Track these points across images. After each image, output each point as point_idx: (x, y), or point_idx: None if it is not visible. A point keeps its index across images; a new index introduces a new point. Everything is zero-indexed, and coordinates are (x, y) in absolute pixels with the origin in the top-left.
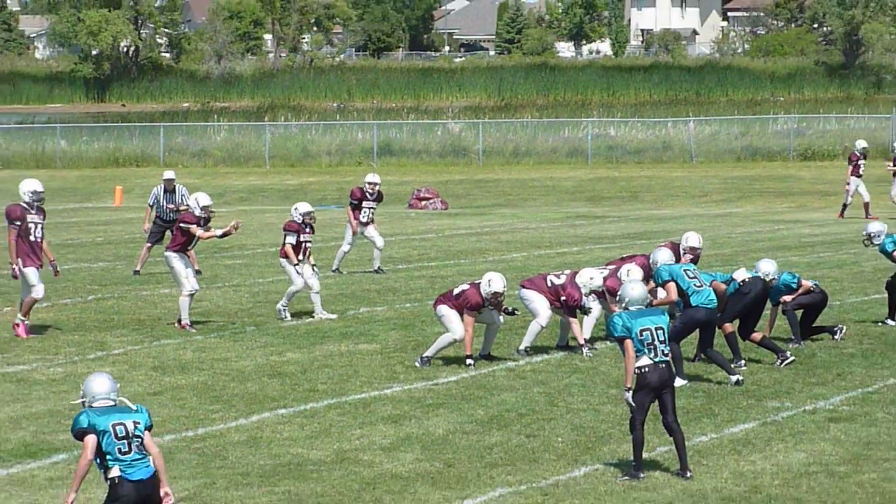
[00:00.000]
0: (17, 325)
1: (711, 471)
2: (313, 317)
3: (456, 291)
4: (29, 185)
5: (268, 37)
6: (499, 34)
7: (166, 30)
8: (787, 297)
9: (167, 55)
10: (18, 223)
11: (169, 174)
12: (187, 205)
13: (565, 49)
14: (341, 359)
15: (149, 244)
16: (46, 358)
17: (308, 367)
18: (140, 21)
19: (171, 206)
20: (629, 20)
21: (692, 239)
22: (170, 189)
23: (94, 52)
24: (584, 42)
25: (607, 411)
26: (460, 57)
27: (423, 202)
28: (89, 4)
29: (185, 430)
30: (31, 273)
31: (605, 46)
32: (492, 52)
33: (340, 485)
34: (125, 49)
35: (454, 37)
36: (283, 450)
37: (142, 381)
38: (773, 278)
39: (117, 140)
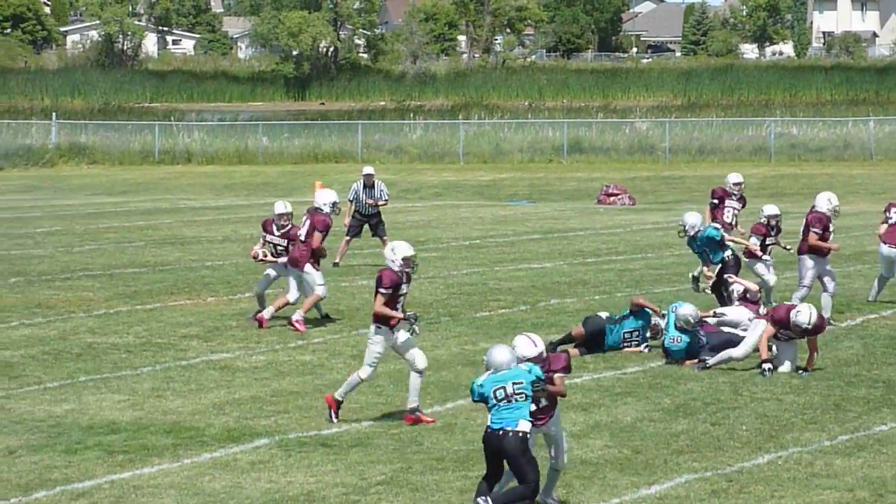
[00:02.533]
0: (298, 321)
1: (892, 459)
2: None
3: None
4: (325, 196)
5: (461, 38)
6: (685, 36)
7: (364, 31)
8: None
9: (365, 55)
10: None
11: (368, 169)
12: (385, 199)
13: (749, 51)
14: None
15: (348, 238)
16: (249, 346)
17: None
18: (339, 22)
19: (370, 201)
20: (811, 22)
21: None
22: (369, 184)
23: (294, 53)
24: (768, 44)
25: (790, 401)
26: (647, 58)
27: (612, 198)
28: (290, 6)
29: (382, 416)
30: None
31: (787, 48)
32: (678, 54)
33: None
34: (324, 49)
35: (641, 38)
36: (477, 435)
37: (340, 369)
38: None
39: (316, 137)
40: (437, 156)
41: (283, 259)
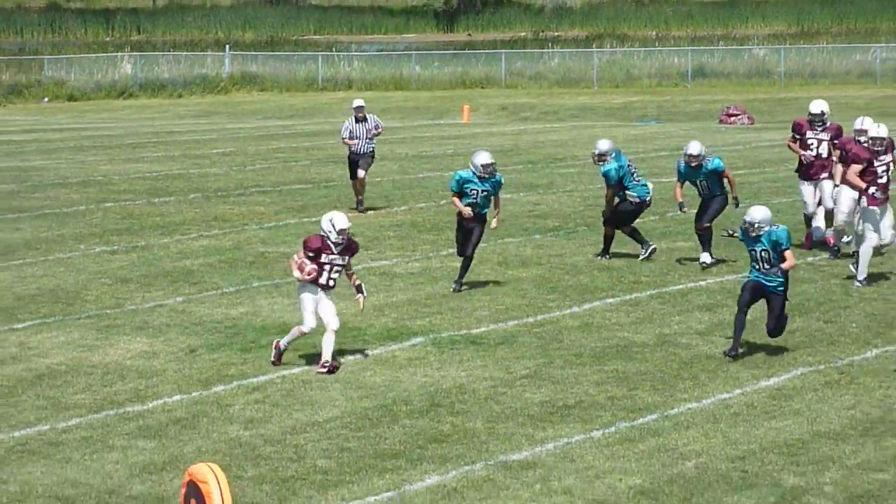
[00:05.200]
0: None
1: None
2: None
3: None
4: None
5: None
6: None
7: None
8: None
9: None
10: None
11: (359, 102)
12: (380, 129)
13: None
14: (662, 255)
15: (353, 180)
16: (405, 254)
17: (633, 261)
18: None
19: (368, 132)
20: None
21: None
22: (360, 118)
23: None
24: None
25: None
26: None
27: (732, 118)
28: None
29: (526, 316)
30: None
31: None
32: None
33: (662, 364)
34: None
35: None
36: (612, 333)
37: (488, 274)
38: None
39: (464, 65)
40: (574, 81)
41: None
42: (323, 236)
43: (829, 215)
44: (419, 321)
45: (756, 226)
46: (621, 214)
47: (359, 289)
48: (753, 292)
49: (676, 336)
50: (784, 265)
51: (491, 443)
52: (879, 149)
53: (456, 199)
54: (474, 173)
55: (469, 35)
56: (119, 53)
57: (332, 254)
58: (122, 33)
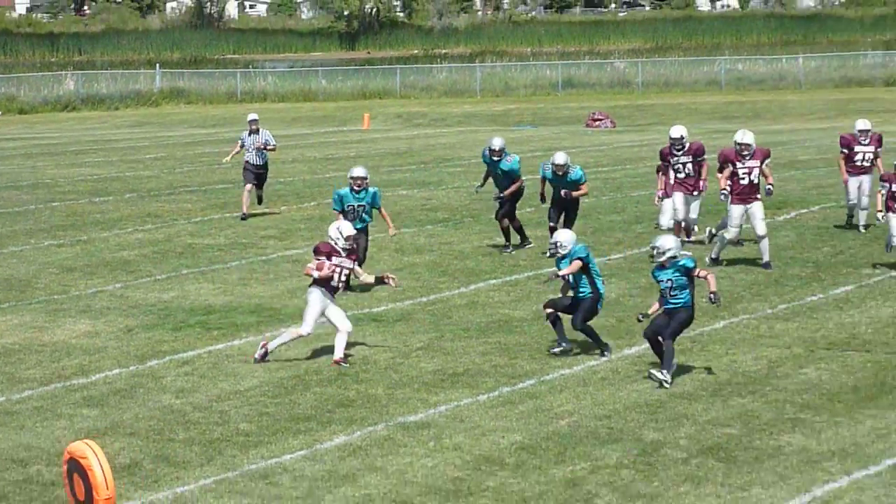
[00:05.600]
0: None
1: (819, 322)
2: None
3: None
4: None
5: None
6: None
7: None
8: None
9: (401, 14)
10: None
11: (253, 115)
12: (272, 145)
13: (703, 4)
14: (538, 242)
15: (248, 187)
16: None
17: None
18: None
19: (256, 144)
20: None
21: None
22: (254, 130)
23: (345, 13)
24: None
25: (739, 278)
26: (623, 12)
27: (597, 122)
28: None
29: (420, 296)
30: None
31: (733, 1)
32: (647, 7)
33: (538, 336)
34: (369, 9)
35: None
36: (495, 310)
37: (387, 261)
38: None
39: (364, 79)
40: (459, 92)
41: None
42: (330, 243)
43: (681, 226)
44: None
45: (559, 244)
46: (513, 210)
47: (379, 280)
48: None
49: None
50: (564, 271)
51: (391, 406)
52: (746, 153)
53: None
54: (350, 187)
55: (369, 53)
56: (63, 72)
57: (340, 256)
58: (65, 54)
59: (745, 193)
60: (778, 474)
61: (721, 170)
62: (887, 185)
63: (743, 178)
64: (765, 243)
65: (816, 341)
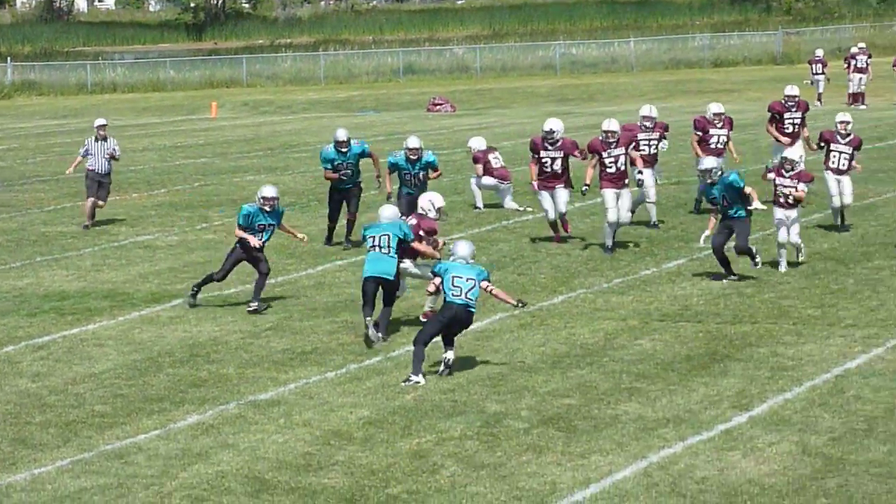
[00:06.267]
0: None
1: (653, 295)
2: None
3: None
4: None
5: None
6: None
7: None
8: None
9: (246, 5)
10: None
11: (100, 121)
12: (117, 156)
13: None
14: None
15: (92, 198)
16: (165, 229)
17: (357, 228)
18: None
19: (104, 154)
20: None
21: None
22: (101, 137)
23: (192, 5)
24: None
25: (576, 254)
26: (461, 0)
27: (438, 107)
28: None
29: (269, 278)
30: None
31: None
32: None
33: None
34: (215, 1)
35: None
36: (341, 290)
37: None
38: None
39: (212, 69)
40: (304, 80)
41: None
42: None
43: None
44: (179, 286)
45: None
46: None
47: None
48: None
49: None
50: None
51: (242, 385)
52: (611, 140)
53: (240, 232)
54: (259, 207)
55: (215, 43)
56: None
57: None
58: None
59: (615, 179)
60: (616, 442)
61: (585, 157)
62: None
63: (610, 167)
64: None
65: (650, 313)
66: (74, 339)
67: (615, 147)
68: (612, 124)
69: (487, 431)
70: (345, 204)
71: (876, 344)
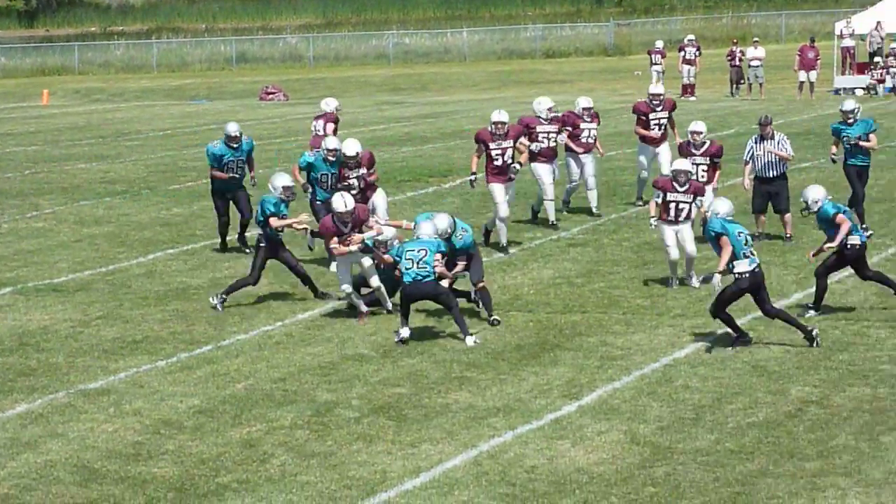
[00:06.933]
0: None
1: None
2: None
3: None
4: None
5: None
6: None
7: None
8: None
9: None
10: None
11: None
12: None
13: None
14: (213, 212)
15: None
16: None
17: (189, 218)
18: None
19: None
20: None
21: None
22: None
23: None
24: None
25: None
26: None
27: (270, 95)
28: None
29: (99, 266)
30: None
31: None
32: None
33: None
34: None
35: None
36: (172, 279)
37: (66, 232)
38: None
39: (44, 56)
40: (137, 68)
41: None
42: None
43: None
44: (8, 274)
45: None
46: None
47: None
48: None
49: (226, 279)
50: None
51: (72, 374)
52: (499, 132)
53: (277, 221)
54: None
55: (47, 30)
56: None
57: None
58: None
59: (501, 173)
60: (446, 431)
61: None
62: (661, 192)
63: (497, 159)
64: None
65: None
66: None
67: (505, 139)
68: (501, 115)
69: (318, 420)
70: (232, 205)
71: (704, 333)
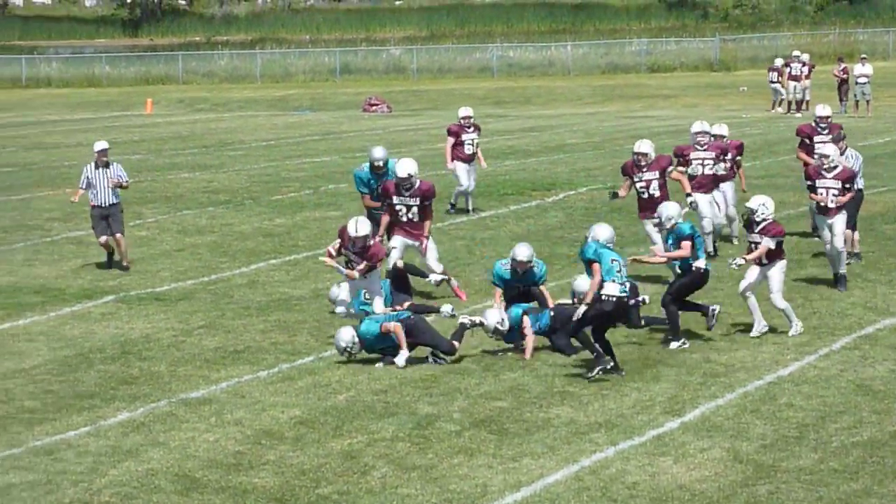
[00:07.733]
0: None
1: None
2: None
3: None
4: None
5: None
6: None
7: None
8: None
9: (183, 1)
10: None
11: (101, 145)
12: (126, 182)
13: None
14: (315, 223)
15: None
16: None
17: (291, 229)
18: None
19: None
20: None
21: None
22: (102, 164)
23: (128, 0)
24: None
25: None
26: (399, 0)
27: (374, 107)
28: None
29: (202, 276)
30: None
31: None
32: None
33: (317, 314)
34: None
35: None
36: (274, 289)
37: (169, 242)
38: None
39: (147, 65)
40: (240, 78)
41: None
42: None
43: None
44: (111, 282)
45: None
46: None
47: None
48: None
49: (329, 290)
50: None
51: (173, 383)
52: (641, 163)
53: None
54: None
55: (151, 40)
56: None
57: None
58: None
59: (648, 208)
60: (547, 445)
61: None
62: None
63: (642, 192)
64: None
65: None
66: (5, 335)
67: (647, 171)
68: (643, 146)
69: (419, 433)
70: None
71: (808, 352)
